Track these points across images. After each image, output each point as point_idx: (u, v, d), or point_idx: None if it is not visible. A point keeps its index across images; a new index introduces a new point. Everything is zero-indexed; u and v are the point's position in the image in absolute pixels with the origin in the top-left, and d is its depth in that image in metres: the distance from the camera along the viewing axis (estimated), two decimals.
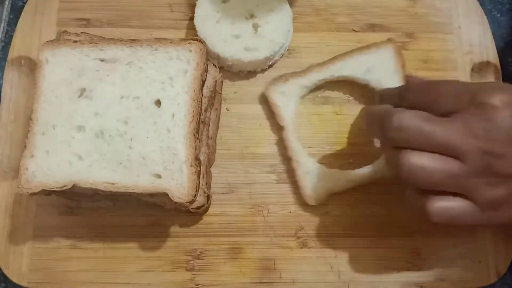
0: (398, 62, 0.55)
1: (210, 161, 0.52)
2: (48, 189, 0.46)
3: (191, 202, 0.46)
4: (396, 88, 0.48)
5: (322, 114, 0.56)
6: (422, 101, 0.41)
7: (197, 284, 0.51)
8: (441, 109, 0.40)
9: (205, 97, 0.50)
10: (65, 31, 0.52)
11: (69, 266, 0.51)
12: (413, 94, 0.43)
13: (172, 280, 0.51)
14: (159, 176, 0.47)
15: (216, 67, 0.52)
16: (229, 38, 0.54)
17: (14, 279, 0.50)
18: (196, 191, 0.46)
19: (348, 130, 0.55)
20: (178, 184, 0.46)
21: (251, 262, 0.51)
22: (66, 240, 0.51)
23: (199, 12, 0.55)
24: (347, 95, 0.56)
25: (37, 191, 0.46)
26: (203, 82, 0.49)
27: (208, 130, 0.52)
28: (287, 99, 0.54)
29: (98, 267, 0.51)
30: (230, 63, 0.55)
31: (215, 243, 0.52)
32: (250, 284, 0.51)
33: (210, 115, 0.53)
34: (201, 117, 0.50)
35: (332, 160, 0.54)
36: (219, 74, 0.52)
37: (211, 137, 0.53)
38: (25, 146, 0.48)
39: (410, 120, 0.38)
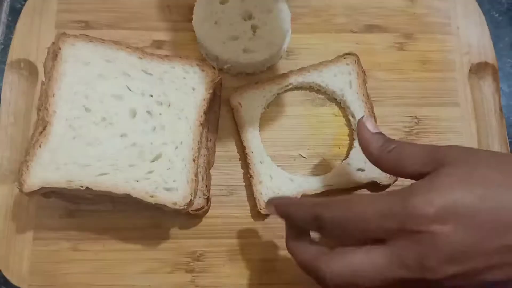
0: (360, 77, 0.55)
1: (210, 163, 0.53)
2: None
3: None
4: (304, 207, 0.39)
5: (321, 115, 0.56)
6: (343, 232, 0.37)
7: (197, 286, 0.51)
8: (367, 237, 0.36)
9: (204, 99, 0.51)
10: (64, 33, 0.52)
11: (69, 269, 0.51)
12: (331, 226, 0.37)
13: (172, 282, 0.51)
14: None
15: (215, 69, 0.52)
16: (228, 40, 0.54)
17: (15, 281, 0.50)
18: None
19: (347, 132, 0.55)
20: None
21: (251, 264, 0.51)
22: (66, 243, 0.51)
23: (197, 14, 0.55)
24: None
25: None
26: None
27: (207, 132, 0.53)
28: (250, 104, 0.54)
29: (99, 269, 0.51)
30: (229, 65, 0.55)
31: (215, 245, 0.52)
32: (250, 286, 0.51)
33: (209, 117, 0.53)
34: (201, 119, 0.50)
35: (329, 162, 0.54)
36: (218, 76, 0.52)
37: (210, 139, 0.53)
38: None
39: (342, 268, 0.36)
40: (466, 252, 0.33)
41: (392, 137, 0.42)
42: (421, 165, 0.37)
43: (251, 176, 0.52)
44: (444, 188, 0.34)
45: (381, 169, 0.42)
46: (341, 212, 0.36)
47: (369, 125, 0.43)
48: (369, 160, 0.43)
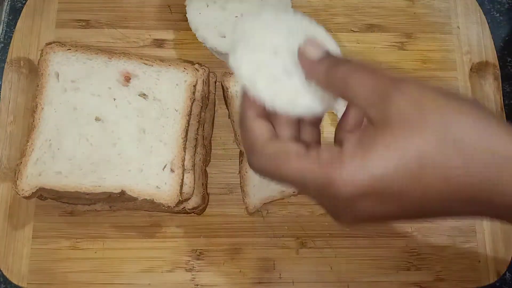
0: None
1: (206, 162, 0.52)
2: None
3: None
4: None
5: None
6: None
7: (197, 285, 0.51)
8: None
9: (197, 100, 0.50)
10: (50, 45, 0.52)
11: (68, 267, 0.51)
12: None
13: (172, 281, 0.51)
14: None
15: (209, 69, 0.52)
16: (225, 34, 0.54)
17: (14, 280, 0.50)
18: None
19: None
20: None
21: (250, 263, 0.51)
22: (65, 241, 0.51)
23: (193, 15, 0.55)
24: None
25: None
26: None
27: (203, 130, 0.52)
28: None
29: (98, 268, 0.51)
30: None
31: (214, 243, 0.52)
32: (249, 285, 0.51)
33: (205, 115, 0.53)
34: (194, 118, 0.50)
35: None
36: (209, 75, 0.52)
37: (206, 138, 0.53)
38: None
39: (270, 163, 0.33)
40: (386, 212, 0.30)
41: None
42: (367, 105, 0.31)
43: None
44: (372, 165, 0.29)
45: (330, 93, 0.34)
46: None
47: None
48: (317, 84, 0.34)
